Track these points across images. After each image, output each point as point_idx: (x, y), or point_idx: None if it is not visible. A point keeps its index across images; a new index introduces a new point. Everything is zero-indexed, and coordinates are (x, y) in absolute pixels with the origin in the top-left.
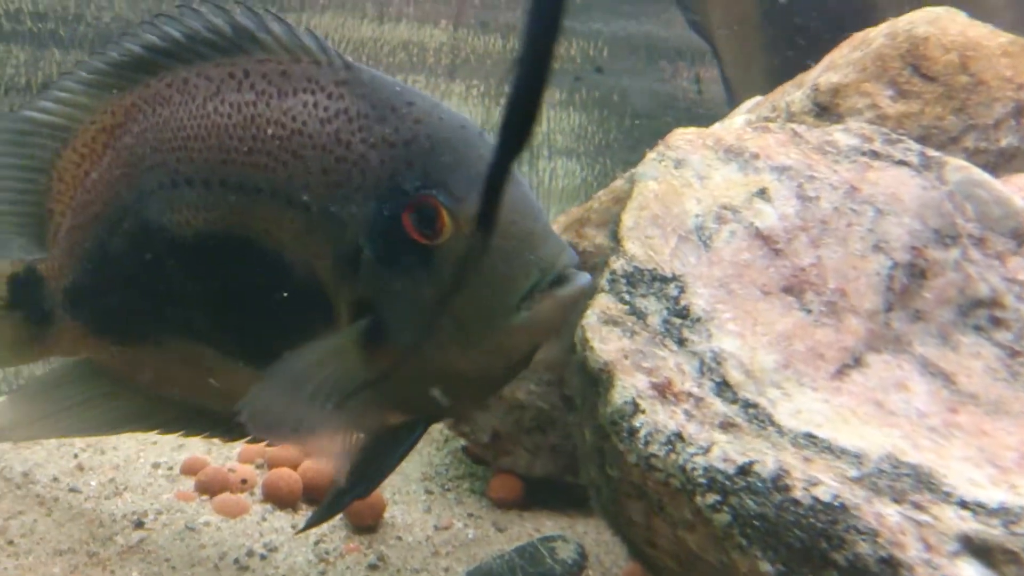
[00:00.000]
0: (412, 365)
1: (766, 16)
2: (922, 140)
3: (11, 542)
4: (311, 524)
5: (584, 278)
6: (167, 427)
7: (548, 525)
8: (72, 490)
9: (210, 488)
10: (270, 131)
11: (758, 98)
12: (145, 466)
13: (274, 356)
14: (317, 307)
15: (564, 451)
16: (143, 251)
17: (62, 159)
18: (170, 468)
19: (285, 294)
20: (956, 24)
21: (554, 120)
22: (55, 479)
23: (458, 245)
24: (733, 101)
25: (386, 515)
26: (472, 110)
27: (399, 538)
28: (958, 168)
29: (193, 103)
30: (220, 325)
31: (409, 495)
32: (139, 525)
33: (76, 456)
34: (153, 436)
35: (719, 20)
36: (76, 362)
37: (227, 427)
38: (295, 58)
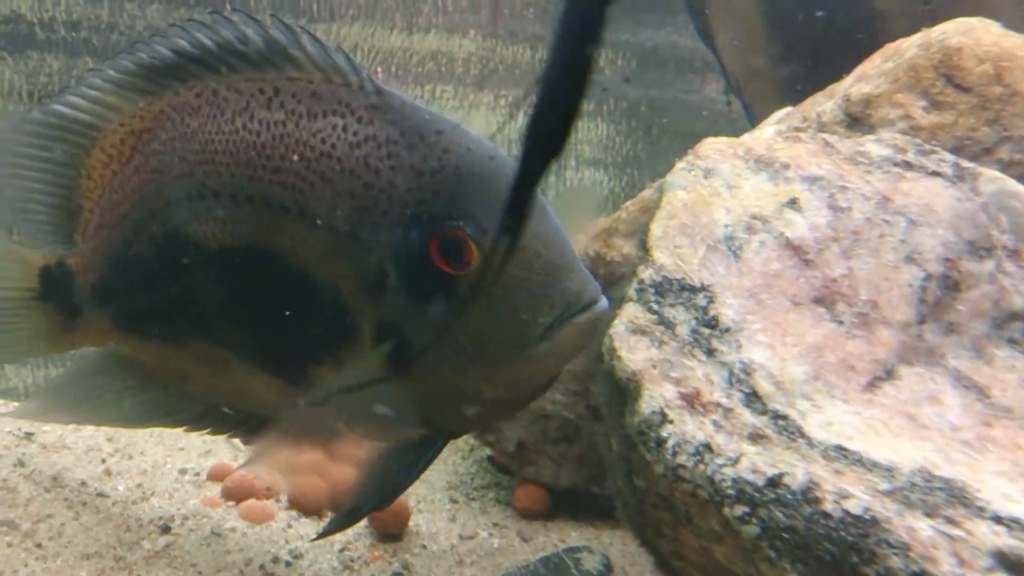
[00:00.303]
0: (434, 386)
1: (770, 28)
2: (955, 151)
3: (39, 545)
4: (329, 531)
5: (605, 304)
6: (194, 424)
7: (573, 536)
8: (100, 494)
9: (236, 494)
10: (299, 152)
11: (788, 109)
12: (172, 472)
13: (294, 366)
14: (340, 323)
15: (589, 461)
16: (169, 257)
17: (91, 157)
18: (197, 474)
19: (308, 309)
20: (990, 35)
21: (581, 131)
22: (83, 483)
23: (486, 276)
24: (753, 116)
25: (411, 523)
26: (500, 120)
27: (424, 546)
28: (992, 179)
29: (222, 116)
30: (242, 332)
31: (434, 504)
32: (166, 530)
33: (104, 461)
34: (180, 442)
35: (723, 32)
36: (108, 352)
37: (251, 427)
38: (326, 78)
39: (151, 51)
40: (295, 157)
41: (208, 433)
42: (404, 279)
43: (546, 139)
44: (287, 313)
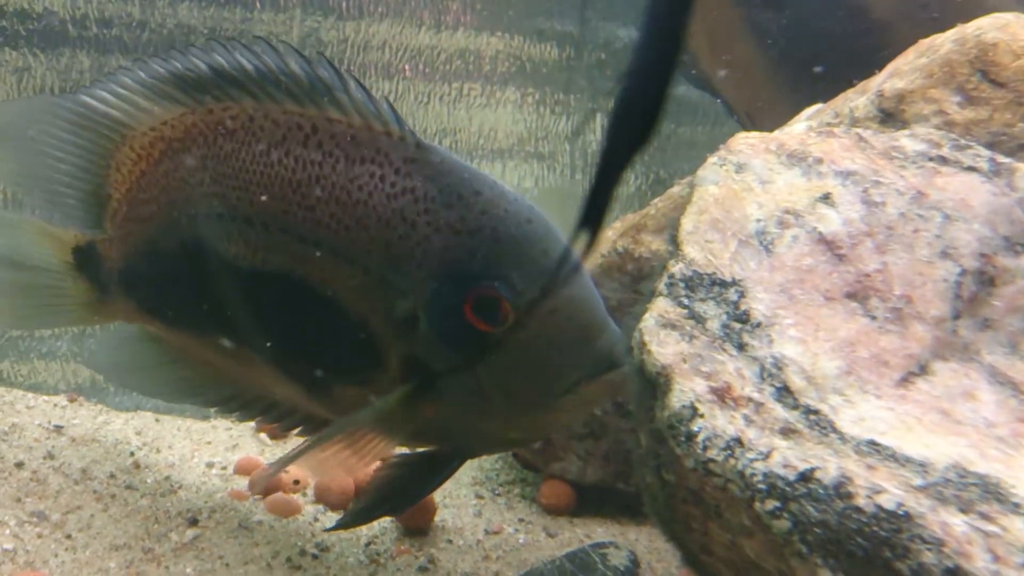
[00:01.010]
0: (457, 421)
1: (771, 64)
2: (990, 147)
3: (69, 536)
4: (340, 526)
5: (632, 363)
6: (222, 406)
7: (599, 532)
8: (129, 487)
9: (263, 488)
10: (334, 195)
11: (819, 105)
12: (200, 465)
13: (319, 382)
14: (367, 351)
15: (616, 458)
16: (197, 264)
17: (120, 152)
18: (224, 468)
19: (336, 335)
20: None
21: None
22: (112, 476)
23: (515, 334)
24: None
25: (437, 519)
26: (527, 118)
27: (449, 541)
28: None
29: (257, 146)
30: (268, 343)
31: (460, 499)
32: (193, 523)
33: (133, 454)
34: (208, 436)
35: (723, 74)
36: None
37: (278, 415)
38: (367, 124)
39: (187, 62)
40: (331, 200)
41: (236, 418)
42: (435, 327)
43: (633, 127)
44: (315, 335)
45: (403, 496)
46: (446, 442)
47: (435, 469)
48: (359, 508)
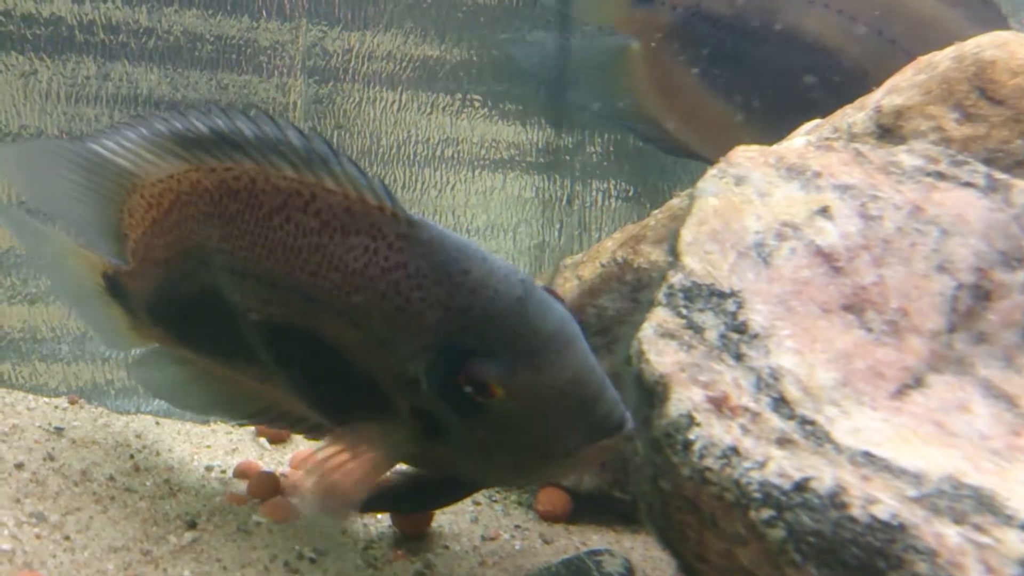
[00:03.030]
0: (463, 464)
1: (731, 107)
2: (988, 163)
3: (67, 537)
4: (327, 508)
5: (628, 426)
6: (252, 420)
7: (595, 539)
8: (128, 489)
9: (261, 492)
10: (334, 263)
11: (817, 121)
12: (199, 469)
13: (336, 414)
14: (376, 398)
15: (612, 467)
16: (212, 309)
17: (131, 199)
18: (223, 471)
19: (346, 382)
20: None
21: (608, 140)
22: (111, 478)
23: (510, 405)
24: None
25: (433, 524)
26: (528, 129)
27: (446, 547)
28: None
29: (260, 209)
30: (287, 381)
31: (456, 506)
32: (192, 526)
33: (132, 457)
34: (207, 440)
35: (688, 133)
36: None
37: (311, 426)
38: (361, 198)
39: (186, 122)
40: (330, 267)
41: (268, 425)
42: (435, 390)
43: None
44: (329, 381)
45: (407, 503)
46: (458, 474)
47: (449, 489)
48: (371, 495)
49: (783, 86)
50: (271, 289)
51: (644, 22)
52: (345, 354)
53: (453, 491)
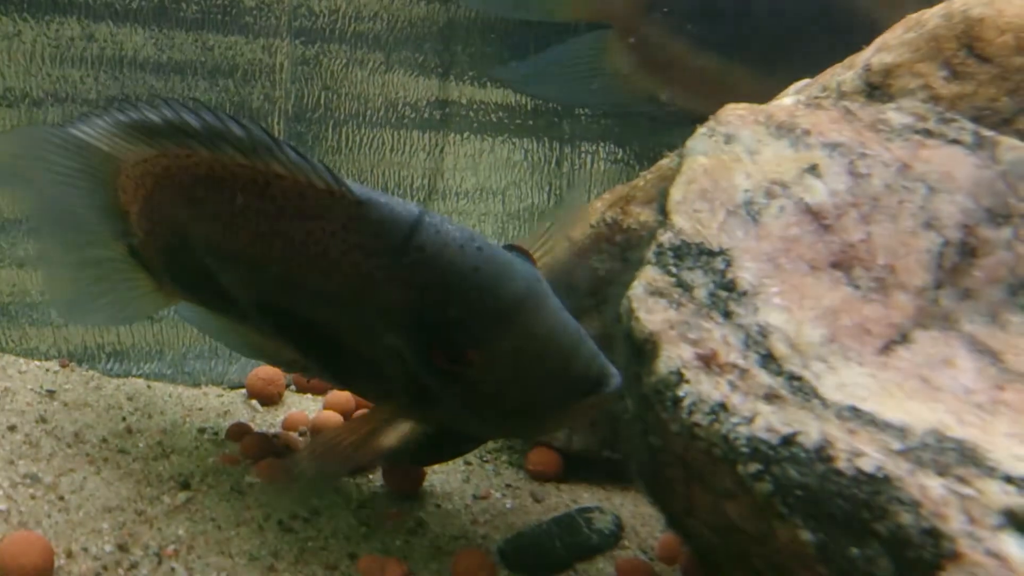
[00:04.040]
0: (461, 425)
1: (727, 62)
2: (975, 121)
3: (61, 498)
4: (313, 457)
5: (616, 383)
6: (287, 367)
7: (585, 497)
8: (121, 451)
9: (254, 453)
10: (296, 248)
11: (806, 80)
12: (191, 431)
13: (339, 378)
14: (373, 371)
15: (602, 426)
16: (213, 282)
17: (120, 178)
18: (215, 433)
19: (341, 356)
20: (1013, 6)
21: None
22: (104, 440)
23: (488, 373)
24: None
25: (425, 483)
26: (518, 95)
27: (438, 506)
28: (1012, 148)
29: (222, 194)
30: (290, 343)
31: (448, 465)
32: (185, 486)
33: (125, 419)
34: (199, 403)
35: (689, 98)
36: None
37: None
38: (310, 182)
39: (140, 113)
40: (294, 252)
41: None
42: (417, 364)
43: None
44: (321, 352)
45: (406, 454)
46: (460, 430)
47: (452, 443)
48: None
49: (777, 33)
50: (253, 270)
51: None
52: (327, 331)
53: (462, 444)
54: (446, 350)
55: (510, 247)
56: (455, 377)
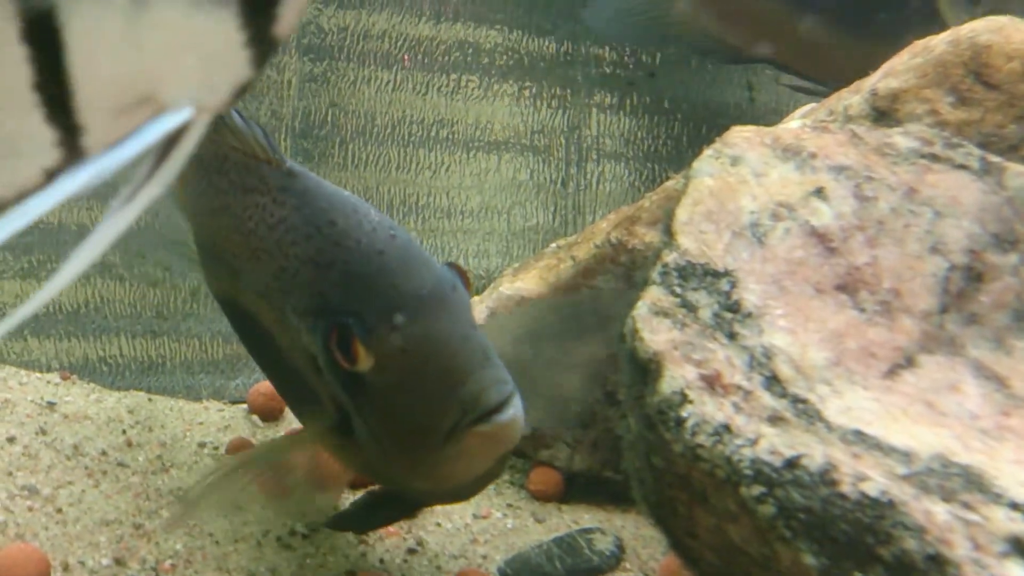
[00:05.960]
0: (376, 463)
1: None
2: (981, 147)
3: (59, 510)
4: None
5: (511, 412)
6: None
7: (586, 518)
8: (120, 464)
9: None
10: (238, 226)
11: (812, 104)
12: (191, 445)
13: (290, 402)
14: (304, 385)
15: (604, 446)
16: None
17: None
18: (215, 448)
19: (280, 367)
20: (1021, 32)
21: (603, 124)
22: (104, 453)
23: (381, 377)
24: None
25: None
26: (524, 111)
27: (438, 524)
28: (1018, 174)
29: (193, 173)
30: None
31: None
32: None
33: (125, 432)
34: (200, 417)
35: (732, 30)
36: None
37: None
38: (253, 152)
39: None
40: (237, 230)
41: None
42: (325, 365)
43: None
44: (268, 365)
45: (346, 521)
46: (385, 483)
47: (392, 506)
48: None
49: None
50: (216, 263)
51: None
52: (268, 334)
53: (394, 508)
54: (339, 341)
55: (449, 264)
56: (352, 379)
